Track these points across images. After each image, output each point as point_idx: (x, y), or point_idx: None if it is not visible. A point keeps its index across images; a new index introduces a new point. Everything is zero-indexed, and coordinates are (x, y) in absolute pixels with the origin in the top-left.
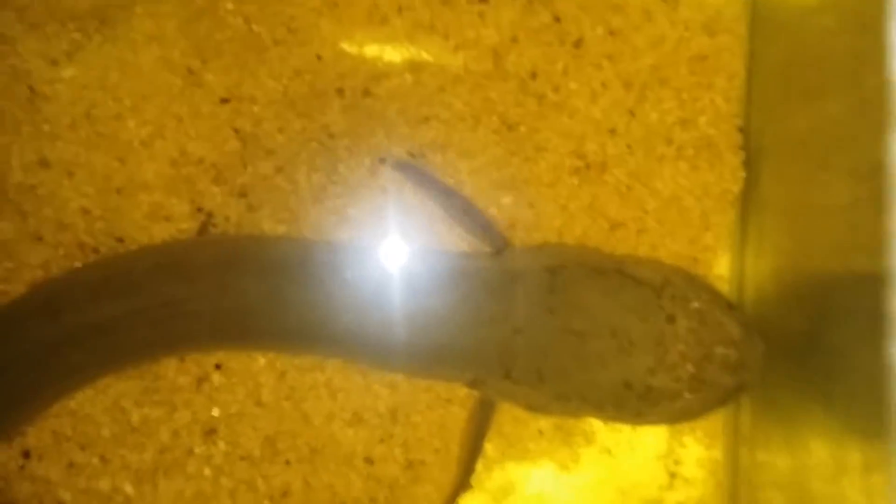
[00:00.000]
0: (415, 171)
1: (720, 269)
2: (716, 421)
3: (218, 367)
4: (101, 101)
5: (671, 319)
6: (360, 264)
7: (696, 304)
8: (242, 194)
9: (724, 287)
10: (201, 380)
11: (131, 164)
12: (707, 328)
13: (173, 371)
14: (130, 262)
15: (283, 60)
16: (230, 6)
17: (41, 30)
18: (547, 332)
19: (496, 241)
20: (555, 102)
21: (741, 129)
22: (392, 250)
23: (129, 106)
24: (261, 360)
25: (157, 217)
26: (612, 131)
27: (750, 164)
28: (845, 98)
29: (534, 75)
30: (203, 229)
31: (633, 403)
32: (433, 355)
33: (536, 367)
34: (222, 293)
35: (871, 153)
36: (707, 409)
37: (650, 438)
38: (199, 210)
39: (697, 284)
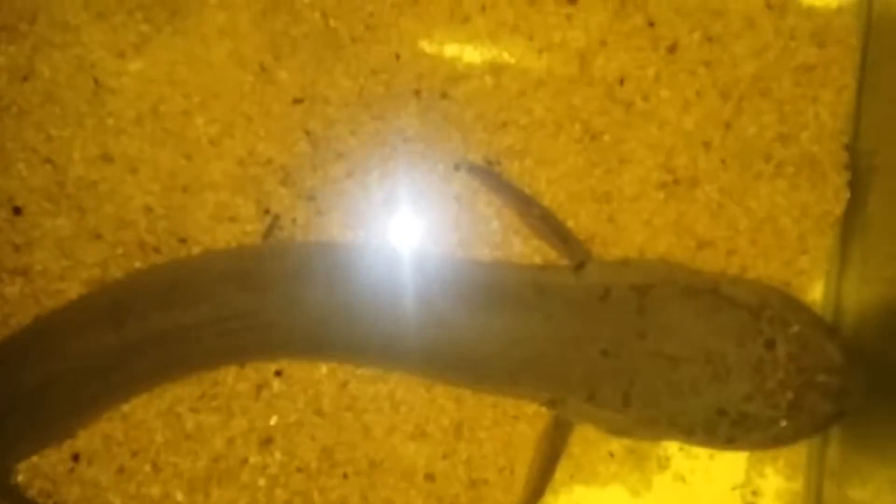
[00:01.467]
0: (491, 176)
1: (814, 294)
2: (799, 452)
3: (278, 373)
4: (168, 96)
5: (770, 344)
6: (436, 277)
7: (796, 328)
8: (311, 197)
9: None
10: (261, 387)
11: (198, 161)
12: (808, 354)
13: (232, 377)
14: (198, 269)
15: (360, 59)
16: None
17: (108, 20)
18: (636, 356)
19: (578, 254)
20: (643, 111)
21: (847, 147)
22: (471, 264)
23: (197, 102)
24: (323, 368)
25: (222, 218)
26: (706, 144)
27: (856, 185)
28: None
29: (622, 81)
30: (269, 232)
31: (726, 430)
32: (513, 373)
33: (623, 390)
34: (293, 305)
35: None
36: (802, 436)
37: (728, 467)
38: (266, 212)
39: (796, 306)
